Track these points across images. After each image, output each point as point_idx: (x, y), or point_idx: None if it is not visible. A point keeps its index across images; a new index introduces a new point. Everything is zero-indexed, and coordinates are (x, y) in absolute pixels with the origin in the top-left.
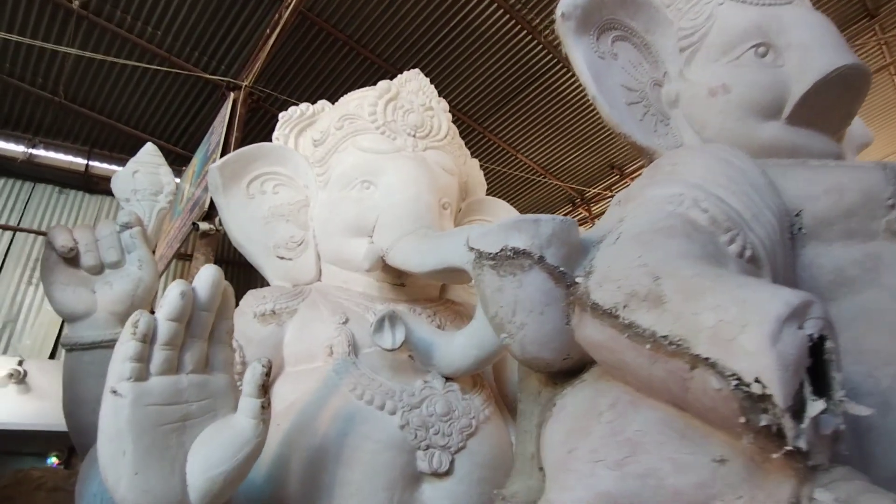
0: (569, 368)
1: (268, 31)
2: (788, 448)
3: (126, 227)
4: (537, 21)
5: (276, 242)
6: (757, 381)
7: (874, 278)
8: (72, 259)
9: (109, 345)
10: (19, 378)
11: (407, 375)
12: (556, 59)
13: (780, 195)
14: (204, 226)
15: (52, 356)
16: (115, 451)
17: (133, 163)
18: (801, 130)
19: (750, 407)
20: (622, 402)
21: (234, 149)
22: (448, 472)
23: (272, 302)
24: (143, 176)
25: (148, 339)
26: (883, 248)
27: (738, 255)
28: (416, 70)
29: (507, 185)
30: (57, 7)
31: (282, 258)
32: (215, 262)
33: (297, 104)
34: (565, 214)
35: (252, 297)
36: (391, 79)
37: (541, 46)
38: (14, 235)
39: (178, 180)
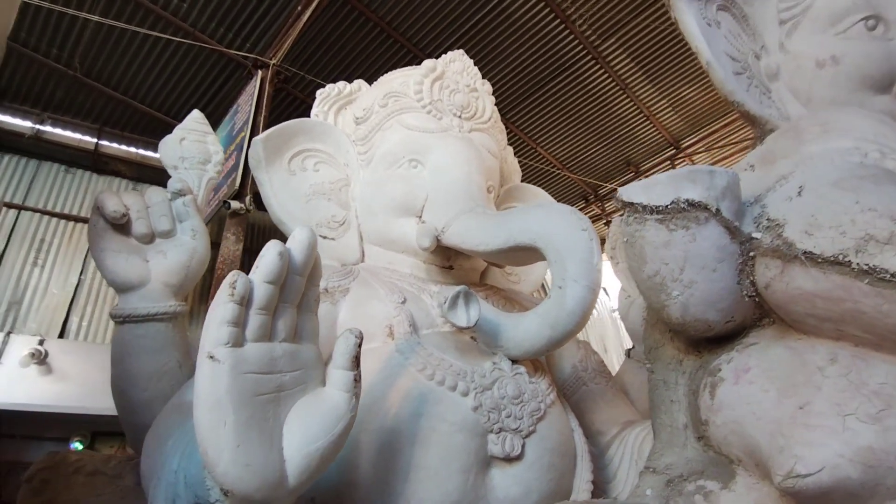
0: (727, 333)
1: (299, 8)
2: None
3: (179, 194)
4: (571, 10)
5: (318, 221)
6: None
7: None
8: (121, 226)
9: (164, 318)
10: (40, 358)
11: (474, 356)
12: (586, 51)
13: None
14: (235, 205)
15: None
16: (215, 422)
17: (179, 129)
18: None
19: None
20: (844, 356)
21: (263, 129)
22: (519, 457)
23: (324, 280)
24: (190, 144)
25: (245, 301)
26: None
27: None
28: (461, 51)
29: (524, 177)
30: None
31: (324, 237)
32: (244, 245)
33: (324, 85)
34: (579, 210)
35: None
36: (419, 62)
37: (573, 37)
38: (19, 214)
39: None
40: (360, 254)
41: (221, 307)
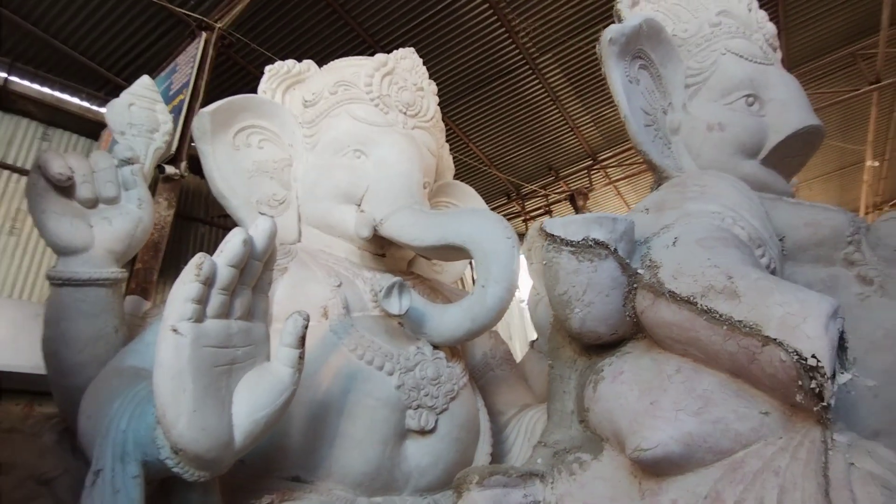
0: (612, 342)
1: None
2: (824, 404)
3: (127, 162)
4: (516, 22)
5: (258, 198)
6: (813, 356)
7: (833, 293)
8: (64, 189)
9: (104, 283)
10: None
11: (400, 340)
12: (524, 61)
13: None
14: (170, 169)
15: None
16: (175, 389)
17: (128, 94)
18: (770, 171)
19: (804, 374)
20: (686, 368)
21: (203, 94)
22: (432, 431)
23: None
24: (139, 110)
25: (209, 282)
26: (840, 272)
27: (766, 267)
28: (411, 49)
29: (456, 170)
30: None
31: (263, 214)
32: (176, 210)
33: (271, 57)
34: (500, 206)
35: None
36: (368, 49)
37: (514, 46)
38: None
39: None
40: (298, 234)
41: (187, 285)
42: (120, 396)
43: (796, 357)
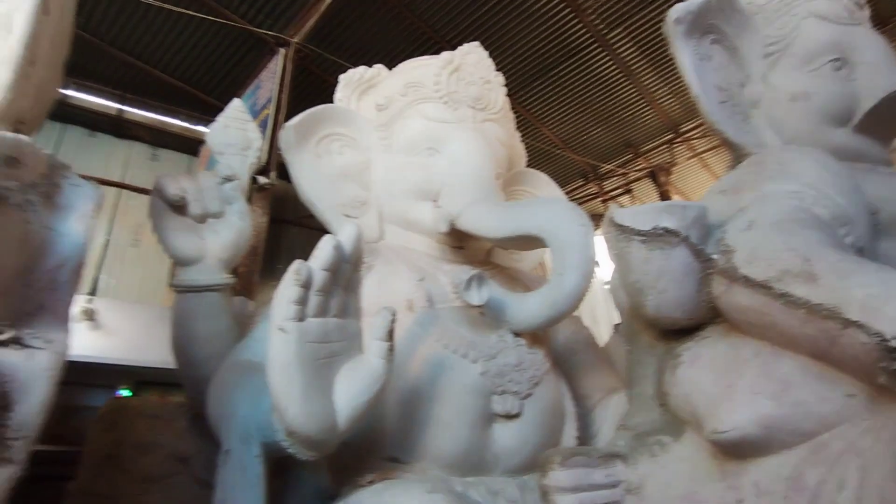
0: (689, 327)
1: None
2: None
3: (228, 179)
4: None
5: (341, 201)
6: (894, 338)
7: None
8: (178, 208)
9: (217, 288)
10: (90, 315)
11: (482, 329)
12: (593, 39)
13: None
14: (262, 180)
15: None
16: (286, 380)
17: (223, 118)
18: (864, 139)
19: (887, 356)
20: (764, 352)
21: (286, 107)
22: (517, 415)
23: None
24: (233, 131)
25: (307, 285)
26: None
27: (851, 246)
28: (476, 43)
29: (528, 155)
30: None
31: (348, 216)
32: (270, 216)
33: (344, 65)
34: (577, 188)
35: None
36: (434, 44)
37: (581, 25)
38: None
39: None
40: (380, 232)
41: (289, 289)
42: (239, 387)
43: (878, 339)
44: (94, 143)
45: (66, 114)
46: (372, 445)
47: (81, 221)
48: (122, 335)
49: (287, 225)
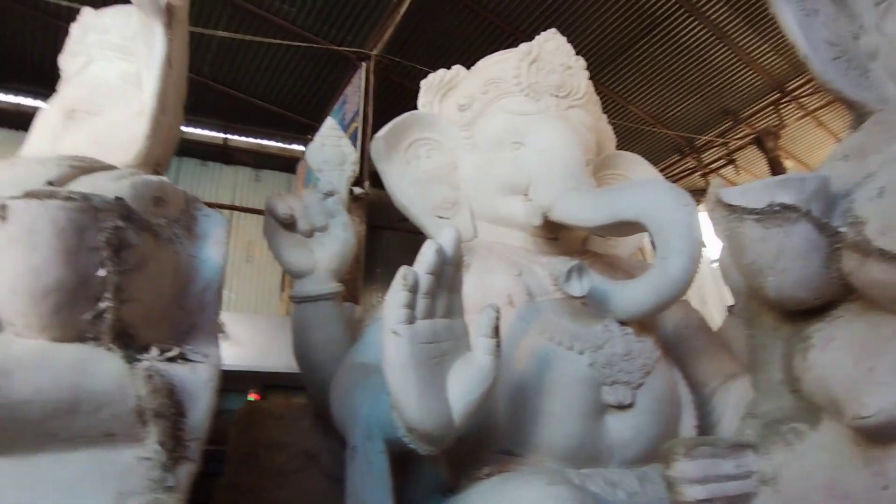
0: (817, 307)
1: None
2: None
3: (329, 194)
4: None
5: (433, 204)
6: None
7: None
8: (288, 225)
9: (329, 297)
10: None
11: (586, 320)
12: (677, 5)
13: None
14: (357, 190)
15: None
16: (402, 380)
17: (319, 137)
18: None
19: None
20: None
21: (373, 118)
22: (630, 405)
23: None
24: (329, 148)
25: (413, 289)
26: None
27: None
28: (553, 30)
29: (616, 136)
30: None
31: (440, 218)
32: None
33: (423, 69)
34: (672, 164)
35: None
36: (510, 37)
37: None
38: None
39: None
40: (473, 230)
41: (398, 294)
42: (359, 388)
43: None
44: (205, 172)
45: (182, 147)
46: (485, 439)
47: (217, 247)
48: (248, 344)
49: (381, 230)
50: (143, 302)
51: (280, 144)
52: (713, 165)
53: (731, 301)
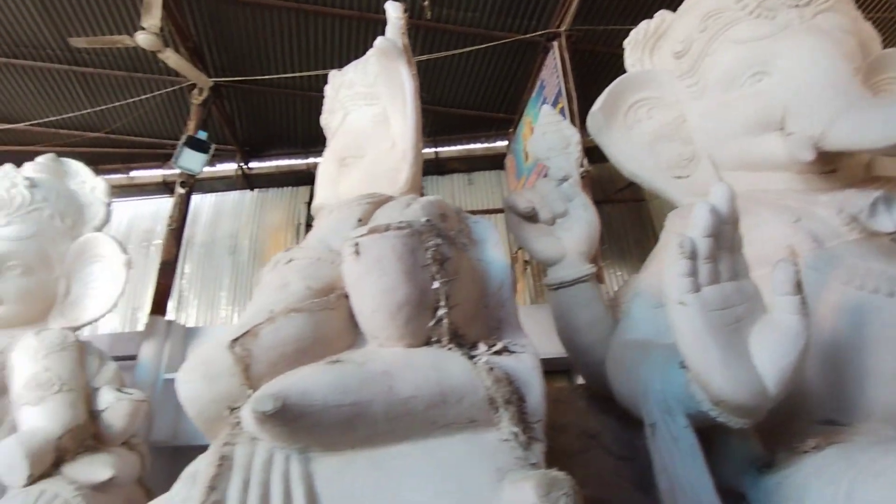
0: None
1: None
2: None
3: (563, 180)
4: None
5: (666, 163)
6: None
7: None
8: (531, 217)
9: (584, 279)
10: None
11: None
12: None
13: None
14: (581, 169)
15: None
16: (700, 351)
17: (539, 126)
18: None
19: None
20: None
21: (576, 94)
22: None
23: None
24: (551, 135)
25: (692, 255)
26: None
27: None
28: None
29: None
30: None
31: (678, 178)
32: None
33: (620, 30)
34: None
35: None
36: None
37: None
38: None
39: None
40: None
41: (677, 264)
42: (644, 364)
43: None
44: (425, 184)
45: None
46: (796, 408)
47: (497, 248)
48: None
49: (600, 205)
50: (462, 306)
51: (485, 145)
52: None
53: None
